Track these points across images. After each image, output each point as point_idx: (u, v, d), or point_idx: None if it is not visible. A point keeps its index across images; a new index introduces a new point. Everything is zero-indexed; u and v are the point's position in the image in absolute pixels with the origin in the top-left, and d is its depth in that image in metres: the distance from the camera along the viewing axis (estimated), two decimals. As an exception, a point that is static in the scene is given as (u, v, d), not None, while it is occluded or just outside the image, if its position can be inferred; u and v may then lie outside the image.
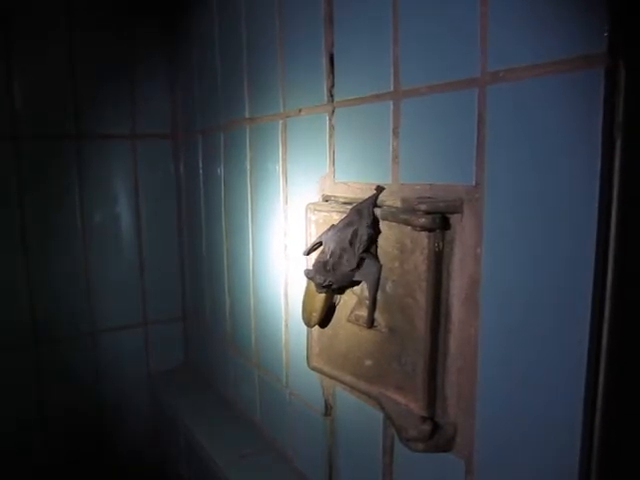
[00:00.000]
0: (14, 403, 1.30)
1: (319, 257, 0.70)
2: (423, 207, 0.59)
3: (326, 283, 0.69)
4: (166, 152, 1.44)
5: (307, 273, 0.70)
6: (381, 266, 0.68)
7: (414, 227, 0.60)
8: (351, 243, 0.67)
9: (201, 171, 1.31)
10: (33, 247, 1.28)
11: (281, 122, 0.92)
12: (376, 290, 0.69)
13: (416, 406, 0.64)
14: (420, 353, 0.63)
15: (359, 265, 0.67)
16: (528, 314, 0.53)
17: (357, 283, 0.72)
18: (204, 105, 1.26)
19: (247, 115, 1.04)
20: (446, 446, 0.62)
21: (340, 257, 0.67)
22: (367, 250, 0.68)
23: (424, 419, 0.63)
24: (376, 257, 0.68)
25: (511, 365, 0.55)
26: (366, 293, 0.70)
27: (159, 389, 1.44)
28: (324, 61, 0.79)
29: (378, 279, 0.68)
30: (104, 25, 1.33)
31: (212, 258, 1.29)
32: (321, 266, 0.68)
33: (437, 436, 0.62)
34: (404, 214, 0.62)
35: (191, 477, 1.24)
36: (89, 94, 1.32)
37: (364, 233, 0.66)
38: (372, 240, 0.67)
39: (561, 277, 0.49)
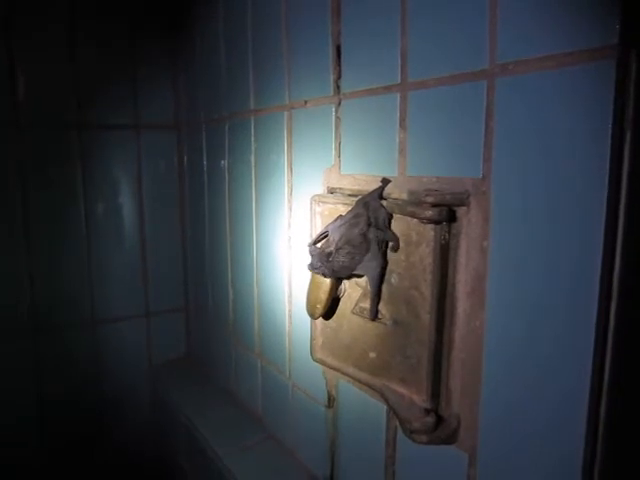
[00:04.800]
0: (13, 392, 1.30)
1: (324, 245, 0.70)
2: (430, 199, 0.59)
3: (320, 272, 0.69)
4: (169, 143, 1.44)
5: (312, 251, 0.70)
6: (385, 262, 0.68)
7: (420, 219, 0.60)
8: (364, 236, 0.66)
9: (205, 162, 1.30)
10: (35, 237, 1.27)
11: (286, 113, 0.92)
12: (378, 284, 0.68)
13: (420, 398, 0.65)
14: (424, 345, 0.63)
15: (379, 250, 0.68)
16: (535, 308, 0.53)
17: (360, 275, 0.72)
18: (208, 96, 1.25)
19: (252, 106, 1.04)
20: (450, 439, 0.62)
21: (342, 251, 0.67)
22: (389, 227, 0.67)
23: (428, 411, 0.63)
24: (382, 252, 0.68)
25: (516, 358, 0.55)
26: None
27: (160, 380, 1.44)
28: (331, 52, 0.79)
29: (380, 274, 0.68)
30: (107, 14, 1.32)
31: (215, 249, 1.29)
32: (325, 255, 0.68)
33: (441, 429, 0.62)
34: (410, 206, 0.62)
35: (192, 468, 1.25)
36: (92, 84, 1.31)
37: (383, 216, 0.66)
38: (390, 220, 0.67)
39: (568, 271, 0.49)
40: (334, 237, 0.68)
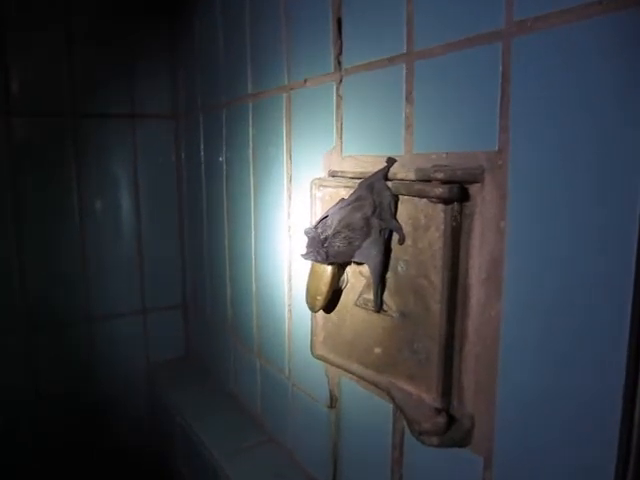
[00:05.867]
0: (6, 391, 1.26)
1: (321, 228, 0.64)
2: (440, 175, 0.53)
3: (312, 257, 0.64)
4: (167, 133, 1.39)
5: (307, 232, 0.65)
6: (386, 249, 0.62)
7: (430, 198, 0.54)
8: (366, 220, 0.61)
9: (202, 152, 1.25)
10: (27, 230, 1.23)
11: (285, 95, 0.87)
12: (380, 273, 0.63)
13: (429, 397, 0.59)
14: (434, 339, 0.58)
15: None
16: (558, 294, 0.47)
17: (360, 263, 0.66)
18: (206, 83, 1.20)
19: (250, 90, 0.99)
20: (462, 441, 0.57)
21: (339, 235, 0.62)
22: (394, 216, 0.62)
23: (438, 411, 0.57)
24: (384, 238, 0.62)
25: (537, 351, 0.49)
26: (373, 275, 0.64)
27: (158, 379, 1.40)
28: (331, 26, 0.74)
29: (381, 262, 0.62)
30: (103, 1, 1.27)
31: (213, 242, 1.24)
32: (320, 240, 0.62)
33: (453, 429, 0.57)
34: (418, 185, 0.56)
35: (189, 470, 1.20)
36: (87, 72, 1.26)
37: (389, 199, 0.61)
38: (396, 204, 0.61)
39: (596, 251, 0.44)
40: (332, 220, 0.63)
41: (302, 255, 0.66)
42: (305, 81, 0.81)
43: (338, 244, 0.61)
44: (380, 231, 0.62)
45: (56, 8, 1.21)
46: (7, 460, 1.27)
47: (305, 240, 0.66)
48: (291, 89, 0.85)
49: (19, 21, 1.18)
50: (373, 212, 0.61)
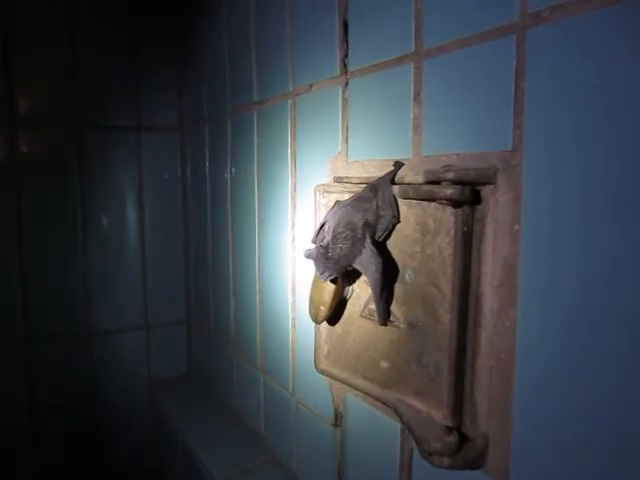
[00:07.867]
0: (3, 406, 1.23)
1: (319, 238, 0.60)
2: (450, 175, 0.50)
3: (327, 275, 0.60)
4: (172, 144, 1.37)
5: (308, 254, 0.61)
6: (382, 266, 0.58)
7: (439, 200, 0.51)
8: (365, 223, 0.58)
9: (207, 164, 1.23)
10: (29, 243, 1.21)
11: (290, 102, 0.85)
12: (380, 290, 0.59)
13: (440, 414, 0.55)
14: (445, 351, 0.55)
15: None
16: (577, 300, 0.44)
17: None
18: (212, 92, 1.19)
19: (255, 98, 0.97)
20: (476, 462, 0.53)
21: (340, 236, 0.58)
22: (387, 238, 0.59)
23: (449, 429, 0.53)
24: (379, 248, 0.59)
25: (556, 363, 0.46)
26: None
27: (159, 395, 1.36)
28: (337, 28, 0.72)
29: (380, 280, 0.58)
30: (108, 11, 1.27)
31: (217, 256, 1.21)
32: (322, 252, 0.59)
33: (465, 450, 0.53)
34: (427, 186, 0.53)
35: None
36: (92, 83, 1.25)
37: (390, 219, 0.58)
38: (394, 226, 0.59)
39: (615, 254, 0.40)
40: (330, 224, 0.59)
41: (319, 277, 0.62)
42: (310, 86, 0.79)
43: (340, 245, 0.58)
44: (373, 244, 0.58)
45: (60, 15, 1.21)
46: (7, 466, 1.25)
47: (312, 262, 0.62)
48: (296, 95, 0.83)
49: (26, 35, 1.18)
50: (374, 219, 0.58)
